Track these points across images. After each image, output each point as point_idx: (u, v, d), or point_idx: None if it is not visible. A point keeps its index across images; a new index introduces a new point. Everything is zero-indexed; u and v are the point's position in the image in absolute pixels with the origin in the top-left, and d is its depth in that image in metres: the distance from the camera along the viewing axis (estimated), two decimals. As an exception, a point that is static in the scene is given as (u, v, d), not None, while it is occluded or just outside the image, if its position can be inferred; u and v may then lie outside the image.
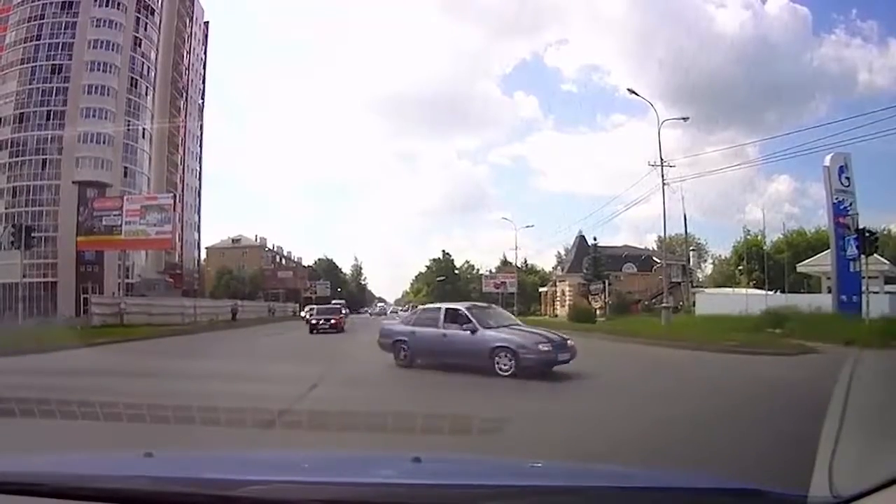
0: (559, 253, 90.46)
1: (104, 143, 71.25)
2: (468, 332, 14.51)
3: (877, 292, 31.22)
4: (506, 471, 2.94)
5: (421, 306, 17.71)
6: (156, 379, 13.28)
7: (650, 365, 17.94)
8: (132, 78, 74.59)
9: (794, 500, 2.13)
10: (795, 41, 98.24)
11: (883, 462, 2.01)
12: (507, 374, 13.30)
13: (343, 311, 41.25)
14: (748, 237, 69.53)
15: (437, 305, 17.29)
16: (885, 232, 55.28)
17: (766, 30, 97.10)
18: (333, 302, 62.26)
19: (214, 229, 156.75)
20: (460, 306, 16.00)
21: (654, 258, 69.29)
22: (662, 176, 35.59)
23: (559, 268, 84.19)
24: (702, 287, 66.32)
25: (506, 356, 13.57)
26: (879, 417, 2.49)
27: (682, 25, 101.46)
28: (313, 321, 35.41)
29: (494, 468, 3.03)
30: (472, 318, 14.85)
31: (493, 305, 19.58)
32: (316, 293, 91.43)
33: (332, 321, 34.77)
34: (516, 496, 2.33)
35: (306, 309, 48.30)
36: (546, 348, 13.63)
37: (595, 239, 70.63)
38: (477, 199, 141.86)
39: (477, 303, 19.02)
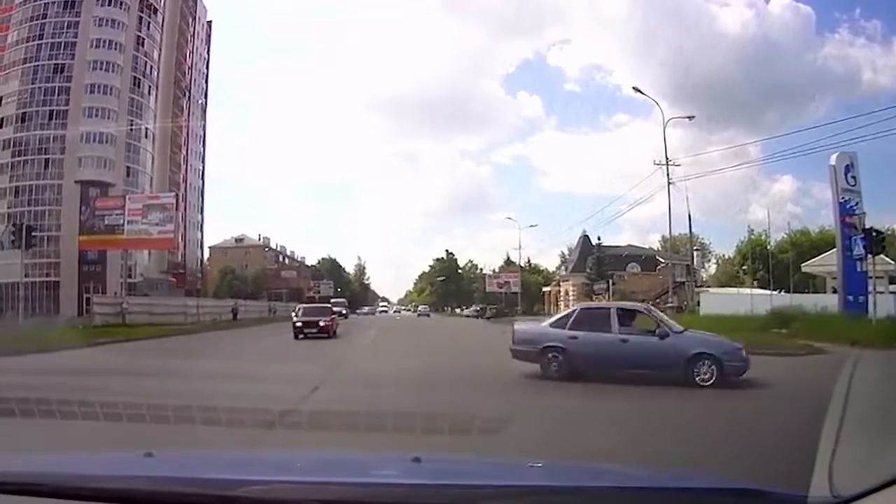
0: (563, 252, 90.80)
1: (107, 142, 71.37)
2: (657, 337, 12.90)
3: (882, 292, 31.13)
4: (506, 471, 2.93)
5: (577, 306, 15.27)
6: (156, 379, 13.28)
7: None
8: (135, 77, 74.71)
9: (794, 500, 2.13)
10: (798, 40, 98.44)
11: (883, 462, 2.00)
12: (707, 384, 11.96)
13: (336, 311, 36.22)
14: (752, 237, 69.48)
15: (605, 305, 15.20)
16: (890, 232, 55.14)
17: (768, 29, 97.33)
18: (332, 301, 61.51)
19: (217, 229, 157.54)
20: (639, 307, 14.38)
21: (658, 258, 69.38)
22: (668, 175, 35.56)
23: (563, 267, 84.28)
24: (706, 287, 66.25)
25: (708, 364, 12.19)
26: (879, 417, 2.48)
27: (685, 25, 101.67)
28: (298, 323, 29.99)
29: (494, 468, 3.03)
30: (660, 322, 13.41)
31: (650, 306, 17.54)
32: (319, 292, 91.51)
33: (322, 324, 29.81)
34: (516, 496, 2.33)
35: (296, 309, 43.06)
36: (745, 354, 12.65)
37: (599, 238, 70.86)
38: (480, 198, 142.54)
39: (648, 304, 16.79)
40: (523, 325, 15.81)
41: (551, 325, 14.21)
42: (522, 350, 13.87)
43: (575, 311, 14.50)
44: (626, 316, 13.71)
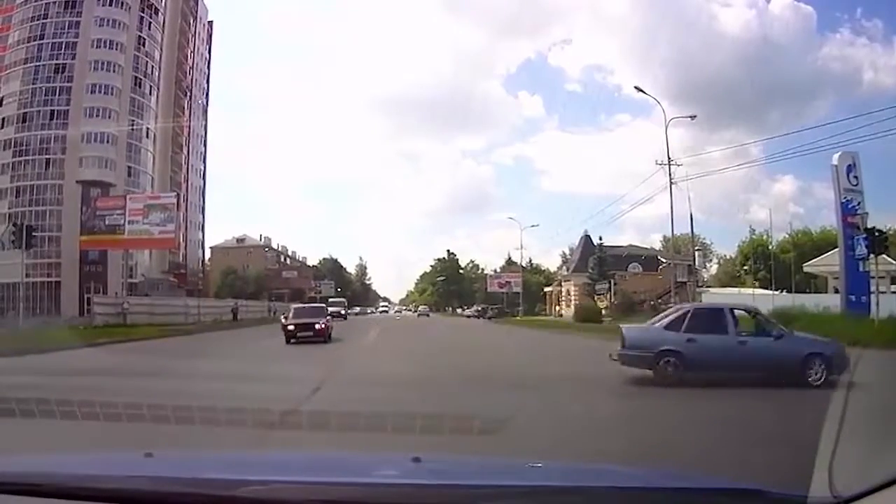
0: (564, 253, 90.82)
1: (108, 142, 71.36)
2: (771, 337, 12.59)
3: (884, 292, 31.10)
4: (506, 471, 2.92)
5: (689, 307, 14.56)
6: (156, 379, 13.29)
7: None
8: (136, 77, 74.66)
9: (794, 500, 2.12)
10: (799, 40, 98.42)
11: (883, 462, 2.00)
12: (817, 384, 11.54)
13: (331, 312, 33.53)
14: (753, 237, 69.49)
15: (717, 305, 14.85)
16: (892, 231, 55.18)
17: (769, 29, 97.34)
18: (329, 300, 60.69)
19: (219, 229, 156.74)
20: (746, 306, 14.17)
21: (660, 258, 69.27)
22: (670, 175, 35.51)
23: (564, 267, 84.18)
24: (707, 287, 66.21)
25: (819, 364, 11.86)
26: (879, 418, 2.48)
27: (686, 24, 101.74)
28: (290, 327, 26.99)
29: (494, 468, 3.03)
30: (769, 322, 13.12)
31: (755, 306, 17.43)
32: (321, 293, 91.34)
33: (316, 327, 27.09)
34: (516, 496, 2.32)
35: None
36: (847, 354, 12.29)
37: (600, 239, 70.74)
38: (481, 199, 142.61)
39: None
40: (633, 329, 14.61)
41: (665, 327, 13.32)
42: (635, 356, 13.00)
43: (688, 312, 13.72)
44: (742, 316, 13.41)
